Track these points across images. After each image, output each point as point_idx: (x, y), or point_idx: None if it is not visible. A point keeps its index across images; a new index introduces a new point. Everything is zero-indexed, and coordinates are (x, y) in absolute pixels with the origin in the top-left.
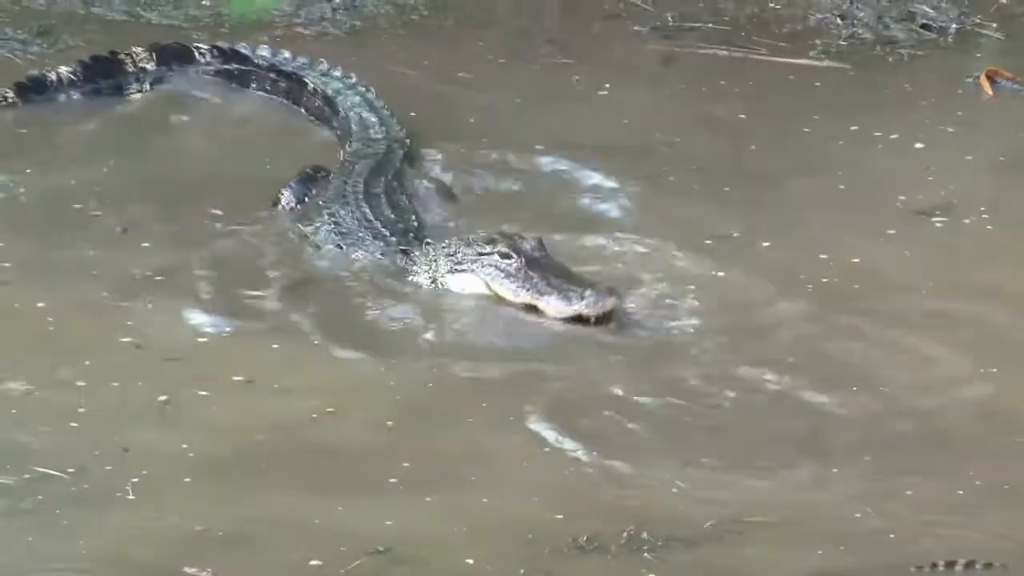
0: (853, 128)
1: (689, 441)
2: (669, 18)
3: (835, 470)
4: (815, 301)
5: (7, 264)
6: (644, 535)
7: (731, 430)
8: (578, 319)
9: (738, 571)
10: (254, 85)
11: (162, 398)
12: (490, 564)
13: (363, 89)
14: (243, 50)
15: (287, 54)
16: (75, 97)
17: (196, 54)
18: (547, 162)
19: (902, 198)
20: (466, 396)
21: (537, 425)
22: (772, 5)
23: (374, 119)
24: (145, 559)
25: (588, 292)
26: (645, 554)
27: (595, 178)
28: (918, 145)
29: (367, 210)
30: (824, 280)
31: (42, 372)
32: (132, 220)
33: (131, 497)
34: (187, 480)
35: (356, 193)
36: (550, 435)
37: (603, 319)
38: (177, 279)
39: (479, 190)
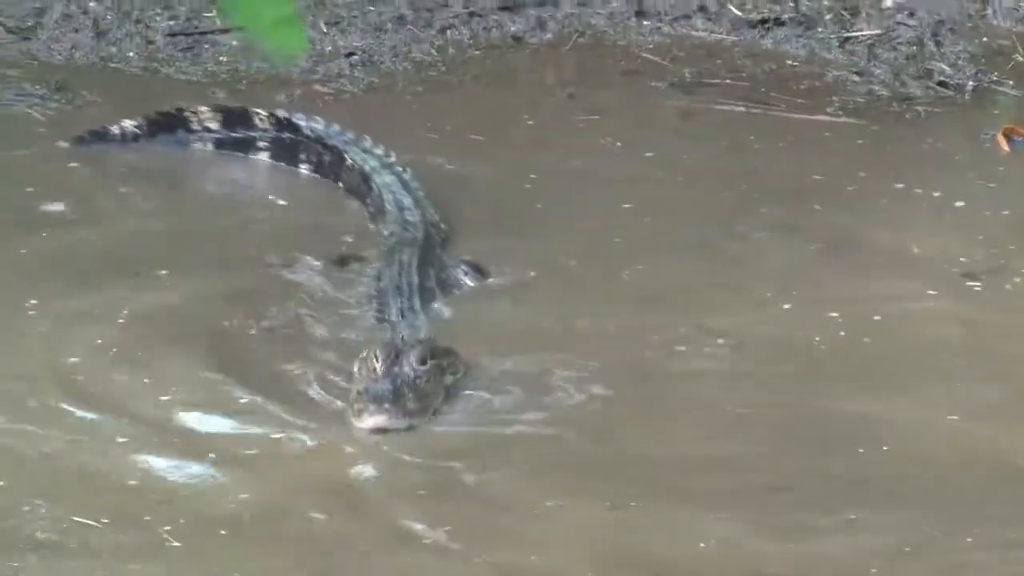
0: (898, 186)
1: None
2: (687, 74)
3: None
4: None
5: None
6: None
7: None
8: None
9: None
10: (302, 155)
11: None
12: None
13: (400, 169)
14: (297, 120)
15: (336, 127)
16: (135, 145)
17: (256, 119)
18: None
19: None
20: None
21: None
22: (790, 62)
23: (408, 200)
24: None
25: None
26: None
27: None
28: (958, 203)
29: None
30: None
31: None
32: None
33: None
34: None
35: (411, 286)
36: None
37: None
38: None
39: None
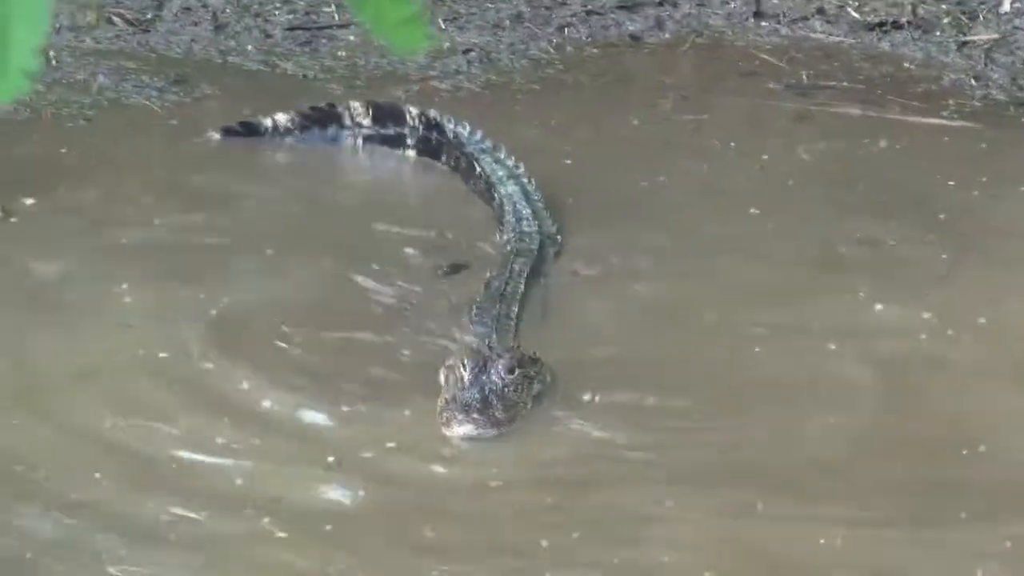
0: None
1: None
2: (804, 76)
3: None
4: None
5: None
6: None
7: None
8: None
9: None
10: (443, 157)
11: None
12: None
13: (525, 180)
14: (443, 121)
15: (479, 134)
16: (292, 141)
17: (407, 116)
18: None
19: None
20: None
21: None
22: (907, 65)
23: (527, 211)
24: None
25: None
26: None
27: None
28: None
29: (515, 310)
30: None
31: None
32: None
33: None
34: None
35: (514, 294)
36: None
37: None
38: None
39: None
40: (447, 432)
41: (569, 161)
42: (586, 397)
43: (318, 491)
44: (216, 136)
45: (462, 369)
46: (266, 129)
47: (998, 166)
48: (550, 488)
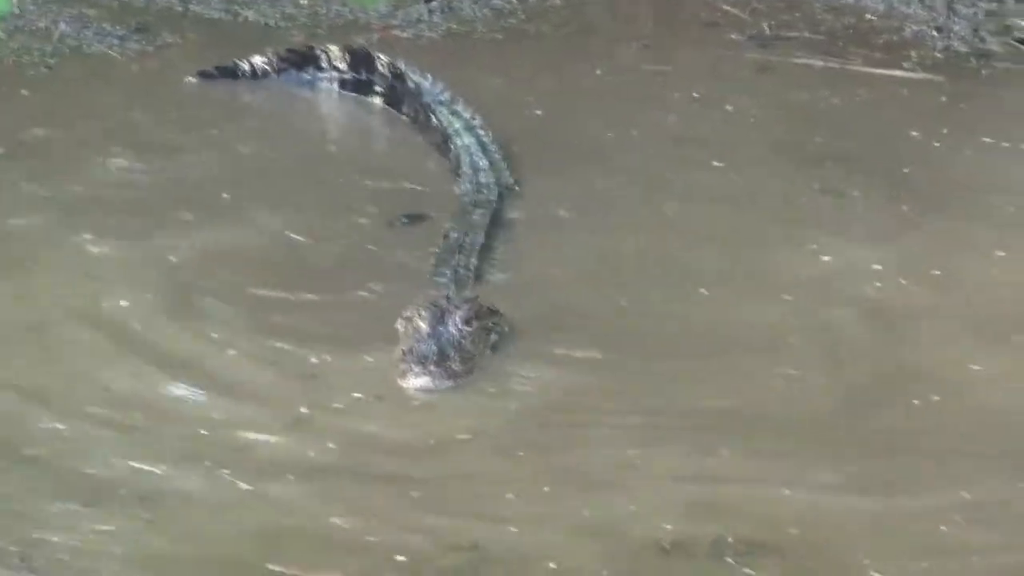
0: (986, 140)
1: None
2: (766, 27)
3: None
4: None
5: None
6: (728, 539)
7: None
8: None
9: None
10: (405, 107)
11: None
12: (572, 567)
13: (481, 132)
14: (407, 71)
15: (438, 86)
16: (270, 81)
17: (377, 63)
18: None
19: None
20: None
21: None
22: (869, 17)
23: (484, 163)
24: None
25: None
26: (729, 559)
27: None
28: None
29: (474, 262)
30: None
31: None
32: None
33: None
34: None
35: (473, 246)
36: None
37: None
38: None
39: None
40: (404, 384)
41: (532, 111)
42: (547, 348)
43: (283, 443)
44: (193, 80)
45: (419, 320)
46: (243, 72)
47: (959, 118)
48: (517, 441)
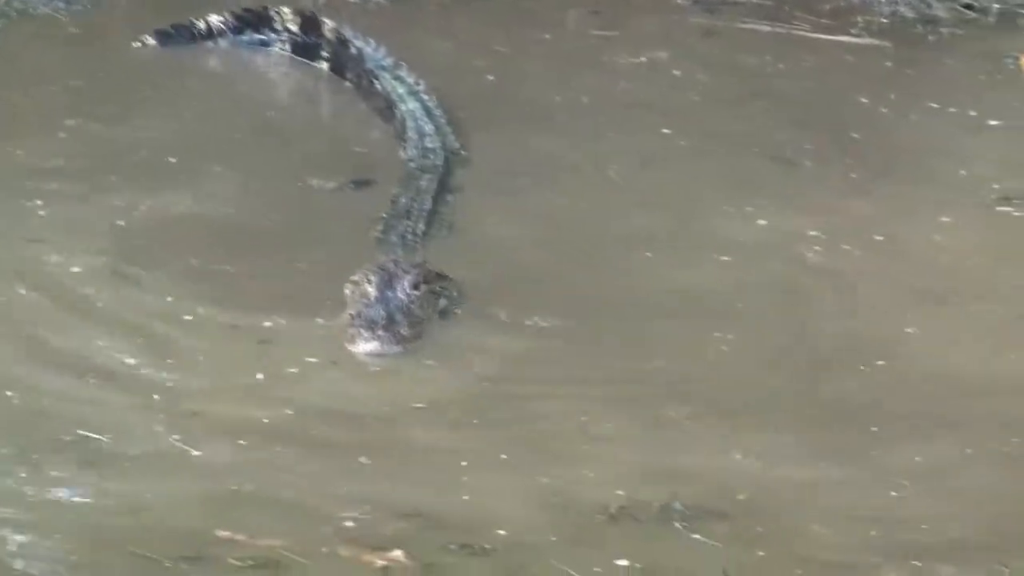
0: (932, 105)
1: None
2: None
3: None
4: None
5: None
6: (677, 505)
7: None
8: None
9: (772, 544)
10: (349, 73)
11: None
12: (519, 533)
13: (426, 97)
14: (350, 37)
15: (382, 51)
16: (223, 44)
17: (324, 28)
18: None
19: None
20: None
21: None
22: None
23: (430, 128)
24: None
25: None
26: (677, 525)
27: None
28: (992, 122)
29: (422, 227)
30: None
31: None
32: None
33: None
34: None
35: (421, 211)
36: None
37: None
38: None
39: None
40: (352, 348)
41: (481, 76)
42: (497, 314)
43: (236, 409)
44: (151, 40)
45: (368, 285)
46: (199, 31)
47: (905, 83)
48: (470, 410)
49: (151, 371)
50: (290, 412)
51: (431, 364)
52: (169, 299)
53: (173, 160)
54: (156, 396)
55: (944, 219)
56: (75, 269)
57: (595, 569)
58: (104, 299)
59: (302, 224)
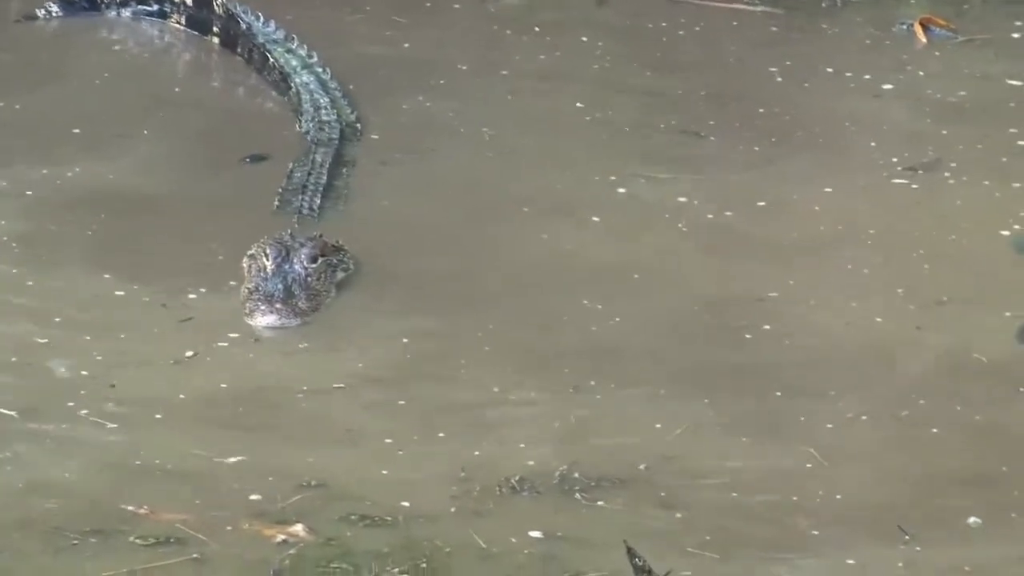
0: (828, 70)
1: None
2: None
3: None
4: None
5: None
6: (576, 475)
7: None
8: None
9: (667, 513)
10: (239, 48)
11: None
12: (422, 504)
13: (320, 70)
14: (239, 12)
15: (272, 25)
16: (125, 15)
17: (214, 4)
18: None
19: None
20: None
21: None
22: None
23: (325, 100)
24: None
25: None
26: (576, 495)
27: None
28: (886, 86)
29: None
30: None
31: None
32: None
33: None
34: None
35: (317, 185)
36: None
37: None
38: None
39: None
40: (251, 322)
41: (376, 47)
42: (395, 287)
43: (154, 385)
44: (54, 8)
45: (264, 259)
46: (103, 0)
47: (798, 50)
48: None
49: (65, 347)
50: (214, 385)
51: (351, 343)
52: (67, 272)
53: (77, 131)
54: (67, 372)
55: (827, 189)
56: None
57: (494, 540)
58: (16, 275)
59: (198, 198)
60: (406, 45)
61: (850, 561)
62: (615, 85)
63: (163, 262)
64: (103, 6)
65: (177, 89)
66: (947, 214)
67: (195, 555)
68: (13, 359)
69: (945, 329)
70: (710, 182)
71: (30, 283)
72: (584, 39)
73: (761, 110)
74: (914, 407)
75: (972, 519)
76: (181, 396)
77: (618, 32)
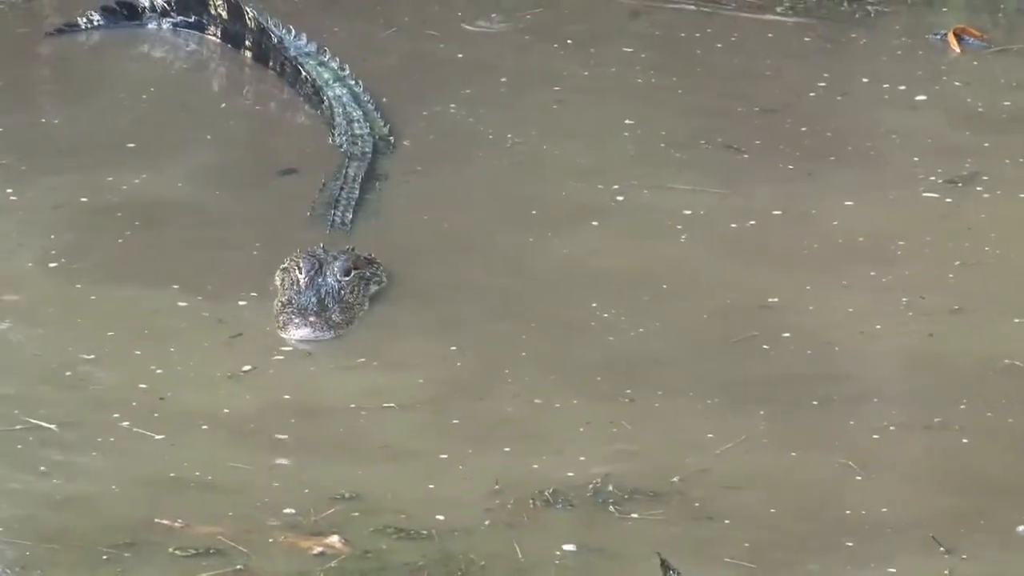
0: (863, 80)
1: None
2: None
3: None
4: None
5: None
6: (610, 488)
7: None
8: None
9: (705, 527)
10: (271, 62)
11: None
12: (457, 517)
13: (353, 83)
14: (271, 26)
15: (303, 38)
16: (164, 27)
17: (246, 18)
18: None
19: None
20: None
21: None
22: None
23: (358, 114)
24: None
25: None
26: (611, 507)
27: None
28: (921, 97)
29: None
30: None
31: None
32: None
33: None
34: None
35: (349, 199)
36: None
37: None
38: None
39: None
40: (284, 335)
41: (397, 59)
42: (429, 300)
43: (201, 399)
44: (96, 17)
45: (298, 272)
46: (144, 9)
47: (833, 62)
48: (430, 406)
49: (105, 360)
50: (253, 401)
51: (397, 362)
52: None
53: (115, 145)
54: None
55: (848, 203)
56: (29, 264)
57: (528, 552)
58: (58, 288)
59: (233, 211)
60: (438, 56)
61: (891, 570)
62: (650, 96)
63: (214, 275)
64: (144, 17)
65: (208, 102)
66: (978, 225)
67: (239, 566)
68: (62, 372)
69: (969, 336)
70: (742, 194)
71: (77, 295)
72: (618, 51)
73: (798, 122)
74: (947, 414)
75: (1021, 528)
76: (226, 410)
77: (652, 43)
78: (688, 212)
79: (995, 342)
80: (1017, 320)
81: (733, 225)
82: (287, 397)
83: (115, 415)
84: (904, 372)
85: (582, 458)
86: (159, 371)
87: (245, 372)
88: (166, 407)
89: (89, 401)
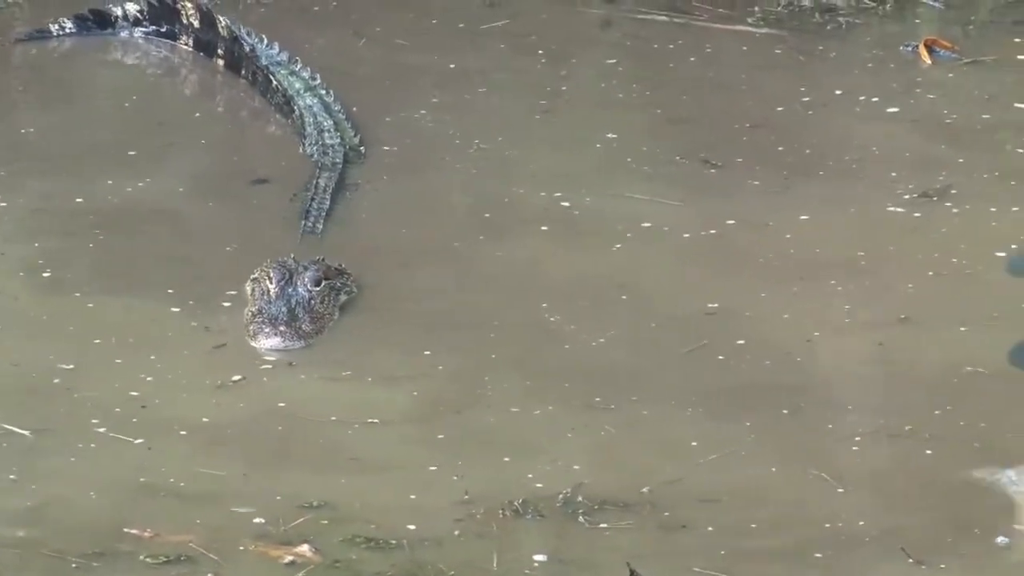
0: (836, 92)
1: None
2: None
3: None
4: None
5: None
6: (580, 498)
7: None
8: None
9: (675, 537)
10: (243, 70)
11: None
12: (427, 527)
13: (323, 92)
14: (243, 34)
15: (275, 47)
16: (137, 35)
17: (219, 26)
18: None
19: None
20: None
21: None
22: None
23: (329, 123)
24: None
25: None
26: (580, 518)
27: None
28: (892, 109)
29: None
30: None
31: None
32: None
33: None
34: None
35: (320, 209)
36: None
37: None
38: None
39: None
40: (254, 344)
41: (369, 69)
42: (398, 310)
43: (182, 406)
44: (68, 24)
45: (268, 282)
46: (116, 18)
47: (805, 73)
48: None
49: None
50: (245, 407)
51: (380, 376)
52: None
53: (87, 153)
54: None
55: (803, 217)
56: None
57: (498, 563)
58: (35, 298)
59: (205, 222)
60: (409, 65)
61: None
62: (622, 107)
63: (193, 282)
64: (116, 26)
65: (195, 113)
66: (944, 237)
67: (209, 574)
68: (41, 380)
69: (930, 345)
70: (712, 203)
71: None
72: (590, 61)
73: (771, 135)
74: (916, 422)
75: (1000, 539)
76: (204, 419)
77: (625, 54)
78: (648, 224)
79: (954, 350)
80: (969, 328)
81: (702, 234)
82: (265, 407)
83: (89, 423)
84: (870, 381)
85: (550, 469)
86: (144, 379)
87: (220, 384)
88: (146, 415)
89: (64, 409)
